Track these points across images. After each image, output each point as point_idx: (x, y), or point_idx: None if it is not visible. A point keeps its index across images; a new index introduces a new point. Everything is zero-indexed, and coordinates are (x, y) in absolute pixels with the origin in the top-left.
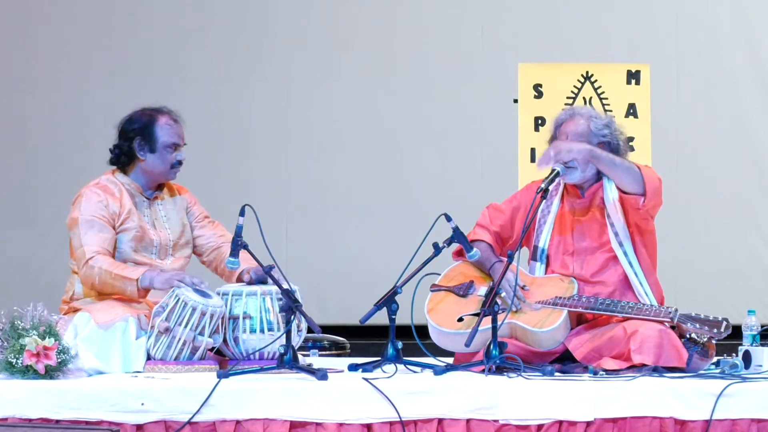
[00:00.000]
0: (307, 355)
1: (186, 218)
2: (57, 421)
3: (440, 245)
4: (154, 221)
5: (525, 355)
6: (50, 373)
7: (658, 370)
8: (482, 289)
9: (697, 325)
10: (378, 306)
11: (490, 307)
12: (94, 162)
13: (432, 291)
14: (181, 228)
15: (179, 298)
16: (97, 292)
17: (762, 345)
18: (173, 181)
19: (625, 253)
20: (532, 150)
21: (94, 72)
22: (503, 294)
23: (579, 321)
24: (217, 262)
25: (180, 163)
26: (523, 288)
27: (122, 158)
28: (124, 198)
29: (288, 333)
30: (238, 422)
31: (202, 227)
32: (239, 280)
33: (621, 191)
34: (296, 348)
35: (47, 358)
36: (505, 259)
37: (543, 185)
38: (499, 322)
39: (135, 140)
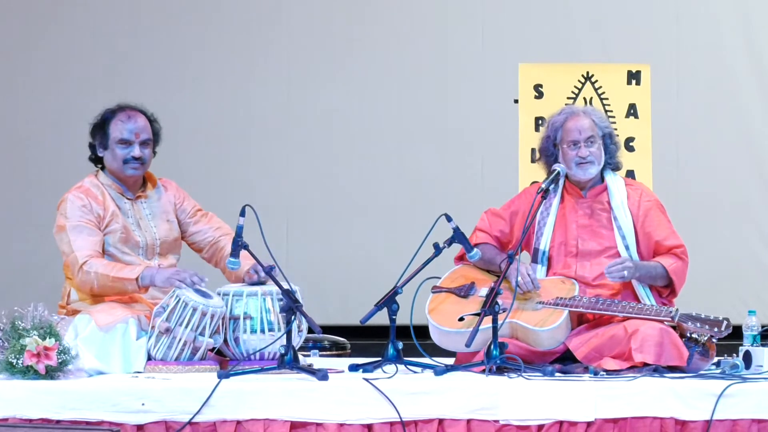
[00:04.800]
0: (308, 356)
1: (172, 215)
2: (57, 422)
3: (441, 245)
4: (139, 221)
5: (525, 355)
6: (51, 373)
7: (658, 370)
8: (483, 291)
9: (698, 325)
10: (378, 306)
11: (490, 306)
12: None
13: (433, 292)
14: (168, 225)
15: (180, 299)
16: (94, 296)
17: (762, 345)
18: (151, 176)
19: (630, 257)
20: (533, 150)
21: (93, 72)
22: (519, 279)
23: (580, 321)
24: (217, 258)
25: (136, 159)
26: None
27: (92, 157)
28: (107, 200)
29: (288, 333)
30: (238, 422)
31: (196, 222)
32: (239, 279)
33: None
34: (297, 348)
35: (48, 358)
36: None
37: (544, 185)
38: (499, 322)
39: (96, 138)
